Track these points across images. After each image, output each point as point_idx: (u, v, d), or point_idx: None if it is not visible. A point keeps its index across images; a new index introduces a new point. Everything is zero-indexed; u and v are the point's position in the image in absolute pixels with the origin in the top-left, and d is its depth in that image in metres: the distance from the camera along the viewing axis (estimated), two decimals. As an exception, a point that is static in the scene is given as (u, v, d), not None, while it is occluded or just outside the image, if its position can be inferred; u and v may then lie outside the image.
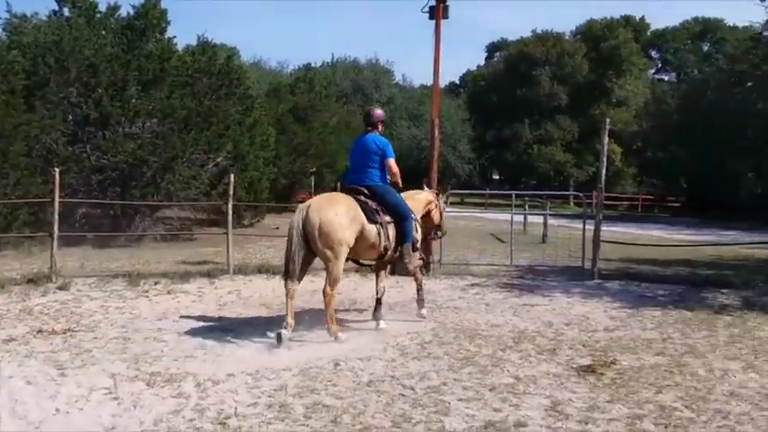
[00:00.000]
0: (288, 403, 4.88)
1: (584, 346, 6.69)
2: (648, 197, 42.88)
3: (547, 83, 45.08)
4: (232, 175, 11.84)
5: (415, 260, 7.36)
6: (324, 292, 6.63)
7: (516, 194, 17.23)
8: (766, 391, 5.33)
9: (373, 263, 7.62)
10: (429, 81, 15.78)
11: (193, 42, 18.44)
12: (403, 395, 5.10)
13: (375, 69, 53.22)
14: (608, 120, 11.39)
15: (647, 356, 6.29)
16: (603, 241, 11.34)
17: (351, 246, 6.71)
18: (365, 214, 6.82)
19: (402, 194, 7.60)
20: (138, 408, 4.75)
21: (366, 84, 50.81)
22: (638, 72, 46.99)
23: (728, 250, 14.89)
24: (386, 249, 7.05)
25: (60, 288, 9.04)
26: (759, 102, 15.00)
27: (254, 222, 18.86)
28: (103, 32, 16.47)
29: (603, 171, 11.21)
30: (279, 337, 6.35)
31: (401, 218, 7.16)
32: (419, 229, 7.63)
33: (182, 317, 7.74)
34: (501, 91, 47.56)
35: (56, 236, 9.90)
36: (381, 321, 7.34)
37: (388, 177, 7.40)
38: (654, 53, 55.40)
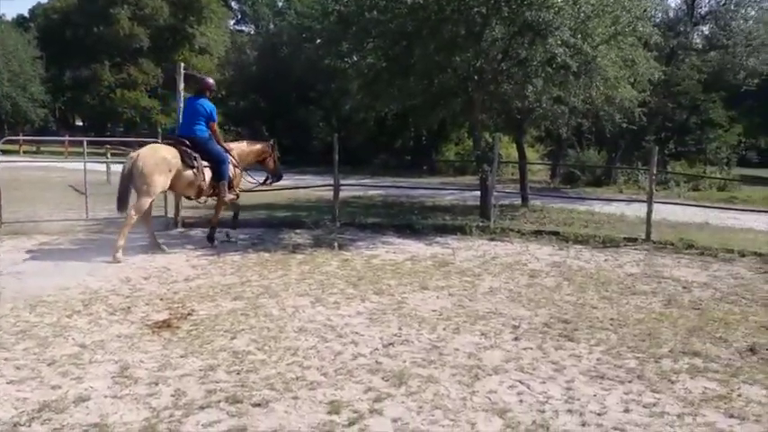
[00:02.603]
0: None
1: (161, 299, 6.40)
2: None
3: (126, 23, 42.44)
4: None
5: (229, 195, 9.26)
6: (128, 214, 8.53)
7: (91, 141, 15.82)
8: (331, 322, 5.77)
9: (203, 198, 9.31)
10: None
11: None
12: (-71, 390, 4.12)
13: None
14: (182, 65, 11.06)
15: (224, 302, 6.31)
16: (185, 189, 11.10)
17: (165, 186, 8.70)
18: (183, 160, 8.67)
19: (238, 144, 9.97)
20: None
21: None
22: (218, 21, 47.43)
23: (303, 193, 16.16)
24: (201, 187, 8.94)
25: None
26: (326, 58, 16.50)
27: None
28: None
29: (180, 118, 10.90)
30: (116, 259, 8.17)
31: (216, 162, 9.00)
32: (237, 172, 9.49)
33: None
34: (77, 27, 43.17)
35: None
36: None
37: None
38: (234, 4, 56.61)
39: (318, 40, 19.66)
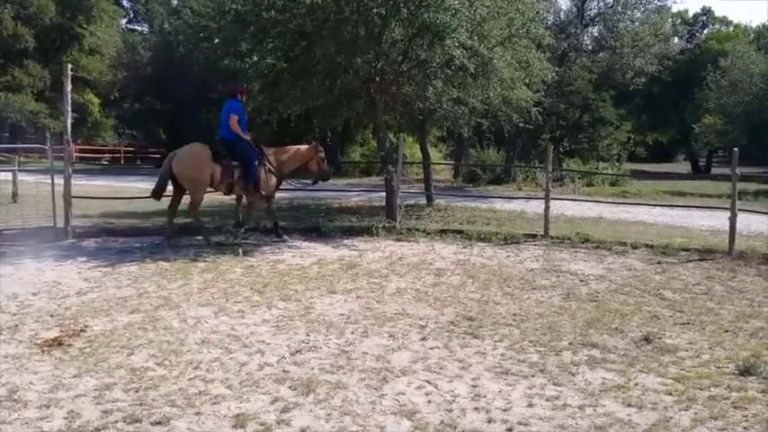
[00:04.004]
0: None
1: (52, 316, 6.00)
2: (130, 149, 42.55)
3: (10, 22, 39.88)
4: None
5: (253, 195, 10.00)
6: (189, 210, 10.05)
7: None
8: (235, 332, 5.60)
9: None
10: None
11: None
12: None
13: None
14: (70, 66, 10.50)
15: (120, 317, 5.99)
16: (76, 197, 10.59)
17: (207, 180, 9.64)
18: (216, 159, 9.56)
19: (277, 149, 10.66)
20: None
21: None
22: (108, 20, 45.38)
23: (205, 198, 15.61)
24: (231, 184, 9.80)
25: None
26: (225, 58, 16.01)
27: None
28: None
29: (69, 122, 10.39)
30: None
31: (245, 163, 9.69)
32: (269, 176, 10.10)
33: None
34: (-46, 28, 40.17)
35: None
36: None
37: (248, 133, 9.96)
38: (125, 2, 54.41)
39: (216, 40, 19.18)
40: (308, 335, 5.56)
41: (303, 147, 11.02)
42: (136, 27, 54.57)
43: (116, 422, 3.83)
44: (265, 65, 12.33)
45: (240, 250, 9.26)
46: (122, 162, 39.45)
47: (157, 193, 9.80)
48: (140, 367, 4.71)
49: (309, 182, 11.28)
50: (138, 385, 4.38)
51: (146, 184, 21.55)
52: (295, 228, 11.31)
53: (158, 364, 4.78)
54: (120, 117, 44.45)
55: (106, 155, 40.52)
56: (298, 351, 5.14)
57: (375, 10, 10.68)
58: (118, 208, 13.53)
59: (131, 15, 55.26)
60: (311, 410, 4.06)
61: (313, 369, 4.75)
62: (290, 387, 4.40)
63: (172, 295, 6.82)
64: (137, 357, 4.92)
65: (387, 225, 11.34)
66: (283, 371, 4.71)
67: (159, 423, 3.83)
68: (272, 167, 10.13)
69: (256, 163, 9.81)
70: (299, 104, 13.35)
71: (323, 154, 10.74)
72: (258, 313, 6.21)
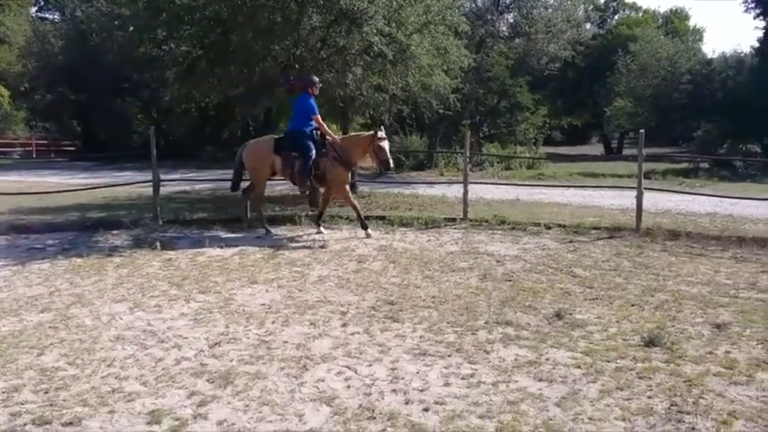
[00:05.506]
0: None
1: (-46, 320, 5.73)
2: (42, 142, 40.70)
3: None
4: None
5: (302, 185, 10.15)
6: (249, 193, 10.62)
7: None
8: (151, 327, 5.49)
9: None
10: None
11: None
12: None
13: None
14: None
15: (30, 316, 5.79)
16: (-18, 194, 10.10)
17: (266, 171, 10.19)
18: (278, 151, 9.96)
19: (342, 137, 10.75)
20: None
21: None
22: (17, 8, 43.10)
23: (122, 191, 15.22)
24: (291, 174, 10.00)
25: None
26: (140, 46, 15.45)
27: None
28: None
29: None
30: (267, 231, 10.16)
31: (301, 154, 9.77)
32: (337, 164, 9.86)
33: None
34: None
35: None
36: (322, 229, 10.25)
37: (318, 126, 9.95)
38: (35, -11, 51.74)
39: (131, 28, 18.56)
40: (227, 327, 5.52)
41: (364, 134, 10.58)
42: (47, 15, 51.85)
43: (25, 425, 3.72)
44: (180, 52, 12.06)
45: (158, 243, 9.05)
46: (35, 156, 37.68)
47: (235, 185, 10.64)
48: (51, 367, 4.57)
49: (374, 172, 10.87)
50: (48, 386, 4.26)
51: (60, 179, 20.81)
52: (216, 219, 11.14)
53: (70, 364, 4.65)
54: (32, 109, 42.30)
55: (18, 149, 38.64)
56: (216, 344, 5.10)
57: (291, -4, 10.61)
58: (29, 204, 12.96)
59: (41, 3, 52.52)
60: (229, 402, 4.04)
61: (232, 361, 4.73)
62: (207, 380, 4.37)
63: (85, 292, 6.62)
64: (47, 357, 4.77)
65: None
66: (201, 364, 4.66)
67: (70, 423, 3.74)
68: (337, 156, 9.82)
69: (312, 154, 9.73)
70: (216, 92, 13.13)
71: (382, 142, 9.81)
72: (176, 307, 6.11)
